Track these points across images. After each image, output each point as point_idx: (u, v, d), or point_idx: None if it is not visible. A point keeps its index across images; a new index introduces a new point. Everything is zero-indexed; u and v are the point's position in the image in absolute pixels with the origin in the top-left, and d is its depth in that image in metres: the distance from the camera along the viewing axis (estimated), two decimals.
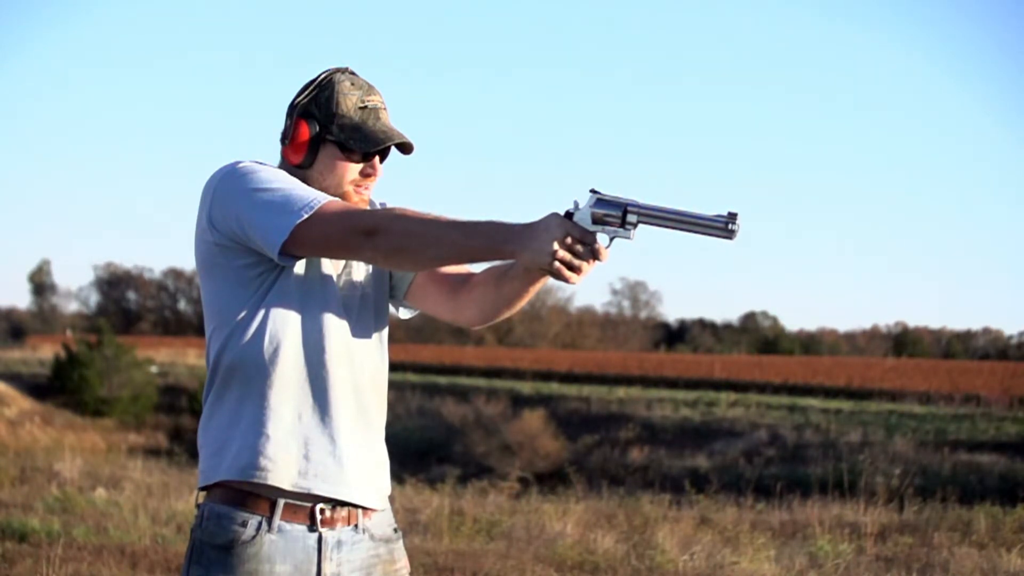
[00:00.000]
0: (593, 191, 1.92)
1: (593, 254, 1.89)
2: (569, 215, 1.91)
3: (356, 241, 1.94)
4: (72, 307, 63.44)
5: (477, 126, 74.09)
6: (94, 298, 63.56)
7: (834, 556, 6.88)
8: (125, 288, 63.85)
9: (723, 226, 1.86)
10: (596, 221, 1.90)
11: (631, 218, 1.89)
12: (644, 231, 1.91)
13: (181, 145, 74.47)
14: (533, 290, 2.07)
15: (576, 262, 1.88)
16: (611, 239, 1.91)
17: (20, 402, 25.88)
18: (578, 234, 1.87)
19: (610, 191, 1.92)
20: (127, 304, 63.40)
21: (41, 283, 61.94)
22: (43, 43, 60.36)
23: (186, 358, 37.64)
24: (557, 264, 1.87)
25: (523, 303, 2.11)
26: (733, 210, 1.85)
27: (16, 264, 76.63)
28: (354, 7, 72.46)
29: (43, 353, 38.05)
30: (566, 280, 1.89)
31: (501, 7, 72.00)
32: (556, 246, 1.86)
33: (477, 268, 2.16)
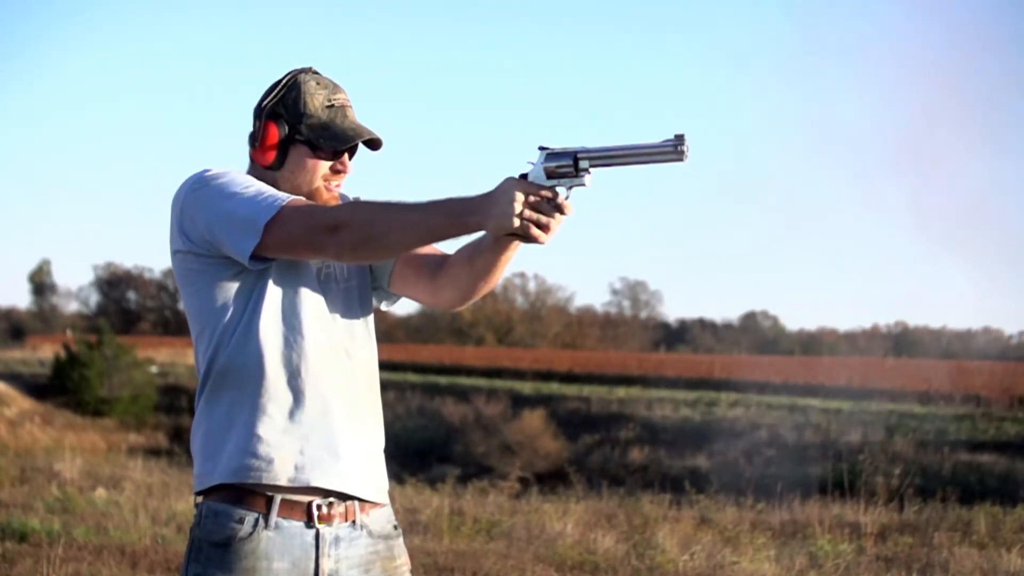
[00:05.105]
0: (542, 147, 1.94)
1: (557, 208, 1.90)
2: (524, 176, 1.92)
3: (320, 239, 1.95)
4: (72, 307, 63.41)
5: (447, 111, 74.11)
6: (94, 298, 63.54)
7: (834, 556, 6.88)
8: (125, 288, 63.80)
9: (672, 149, 1.86)
10: (550, 175, 1.92)
11: (583, 164, 1.91)
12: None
13: (182, 145, 74.50)
14: (505, 259, 2.06)
15: (543, 219, 1.88)
16: (569, 189, 1.92)
17: (20, 402, 25.87)
18: (536, 191, 1.89)
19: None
20: (127, 304, 63.32)
21: (41, 283, 61.89)
22: (42, 43, 60.38)
23: (186, 358, 37.55)
24: (525, 224, 1.88)
25: (499, 275, 2.11)
26: (679, 132, 1.86)
27: (16, 264, 76.76)
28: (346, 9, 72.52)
29: (43, 353, 38.04)
30: (535, 240, 1.90)
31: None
32: (519, 207, 1.86)
33: (452, 249, 2.17)
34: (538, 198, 1.89)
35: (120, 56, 72.75)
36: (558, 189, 1.92)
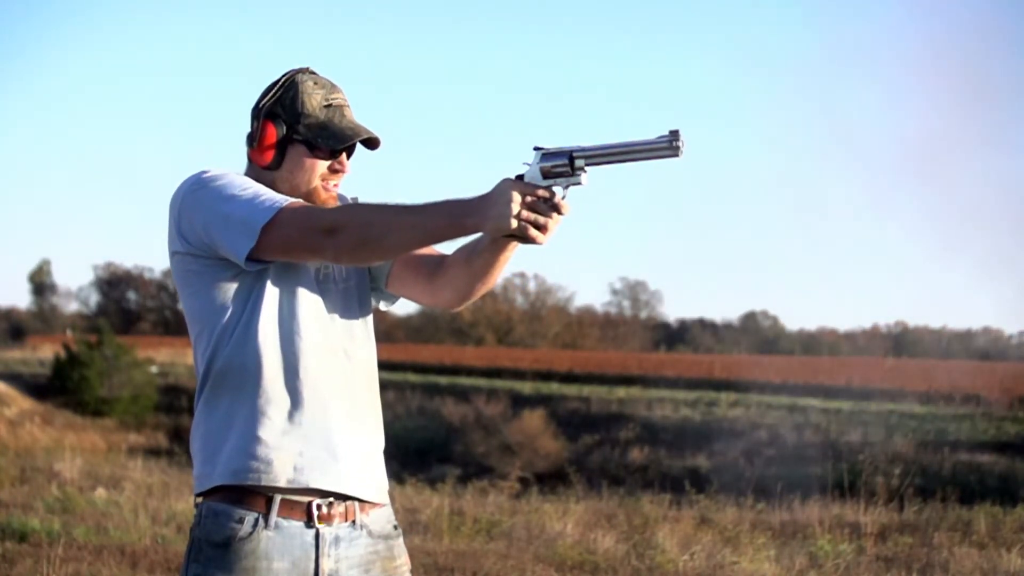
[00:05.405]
0: (537, 148, 1.94)
1: (554, 208, 1.89)
2: (520, 177, 1.92)
3: (318, 242, 1.95)
4: (72, 307, 63.40)
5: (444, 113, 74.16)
6: (94, 298, 63.53)
7: (834, 556, 6.88)
8: (125, 288, 63.78)
9: (668, 144, 1.85)
10: (546, 176, 1.92)
11: (578, 163, 1.91)
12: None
13: (182, 144, 74.51)
14: (503, 260, 2.06)
15: (541, 219, 1.89)
16: (566, 188, 1.92)
17: (20, 402, 25.85)
18: (533, 191, 1.89)
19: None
20: (127, 304, 63.30)
21: (41, 283, 61.88)
22: (42, 43, 60.37)
23: (186, 358, 37.52)
24: (523, 225, 1.88)
25: (496, 276, 2.11)
26: (674, 128, 1.85)
27: (16, 264, 76.77)
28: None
29: (43, 353, 38.04)
30: (533, 241, 1.90)
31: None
32: (516, 208, 1.86)
33: (450, 250, 2.17)
34: (535, 198, 1.89)
35: (120, 56, 72.79)
36: (555, 189, 1.91)
